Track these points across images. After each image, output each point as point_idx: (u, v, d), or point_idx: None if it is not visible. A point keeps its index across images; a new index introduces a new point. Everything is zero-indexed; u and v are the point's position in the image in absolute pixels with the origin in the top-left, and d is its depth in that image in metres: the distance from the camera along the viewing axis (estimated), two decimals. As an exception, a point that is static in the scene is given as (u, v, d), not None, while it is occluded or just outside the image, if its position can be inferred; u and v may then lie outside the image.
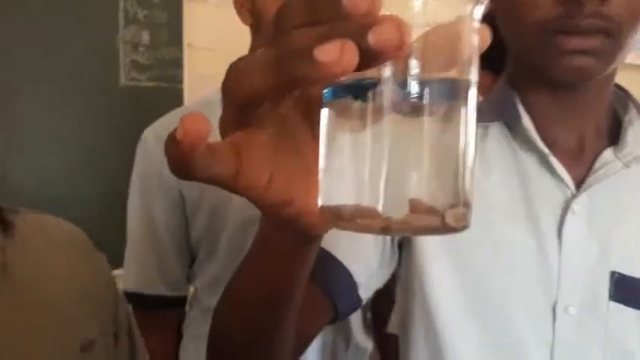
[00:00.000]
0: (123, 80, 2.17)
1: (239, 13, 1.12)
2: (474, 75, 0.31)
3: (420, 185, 0.29)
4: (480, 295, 0.71)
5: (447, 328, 0.72)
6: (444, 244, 0.72)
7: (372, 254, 0.72)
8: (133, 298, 1.19)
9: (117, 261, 2.09)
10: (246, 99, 0.32)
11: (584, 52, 0.64)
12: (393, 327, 1.08)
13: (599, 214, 0.71)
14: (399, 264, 0.77)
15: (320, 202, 0.32)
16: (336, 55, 0.26)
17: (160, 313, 1.20)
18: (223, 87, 0.32)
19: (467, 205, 0.31)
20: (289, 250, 0.43)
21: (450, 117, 0.30)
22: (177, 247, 1.19)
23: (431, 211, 0.29)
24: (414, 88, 0.29)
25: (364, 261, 0.71)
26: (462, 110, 0.30)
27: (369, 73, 0.29)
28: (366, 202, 0.29)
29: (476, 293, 0.71)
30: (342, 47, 0.26)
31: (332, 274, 0.69)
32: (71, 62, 2.01)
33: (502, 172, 0.74)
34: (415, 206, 0.29)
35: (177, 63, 2.35)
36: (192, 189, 1.15)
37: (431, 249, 0.72)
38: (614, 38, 0.64)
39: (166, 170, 1.07)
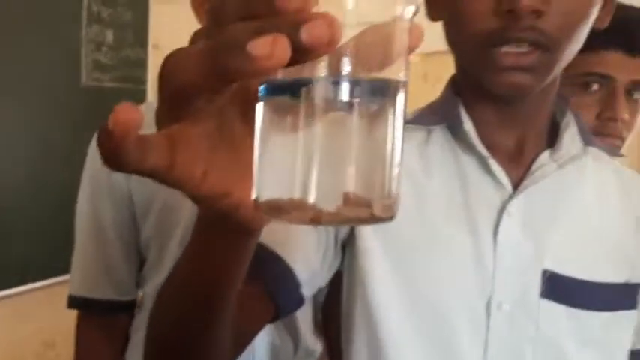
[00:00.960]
0: (85, 80, 2.14)
1: (196, 13, 1.12)
2: (403, 74, 0.32)
3: (350, 179, 0.30)
4: (417, 292, 0.73)
5: (387, 324, 0.73)
6: (385, 243, 0.74)
7: (315, 253, 0.72)
8: (79, 302, 1.16)
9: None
10: (181, 91, 0.32)
11: (520, 68, 0.66)
12: None
13: (535, 214, 0.74)
14: (342, 263, 0.78)
15: (254, 195, 0.33)
16: (268, 49, 0.27)
17: (107, 317, 1.18)
18: (159, 79, 0.32)
19: (394, 196, 0.32)
20: (226, 244, 0.43)
21: (379, 115, 0.31)
22: (125, 249, 1.16)
23: (360, 203, 0.31)
24: (345, 86, 0.30)
25: (306, 259, 0.71)
26: (391, 108, 0.32)
27: (304, 73, 0.30)
28: (298, 194, 0.30)
29: (414, 291, 0.73)
30: (274, 42, 0.27)
31: (274, 272, 0.69)
32: (32, 60, 1.97)
33: (443, 175, 0.76)
34: (345, 199, 0.30)
35: (142, 64, 2.33)
36: (141, 191, 1.13)
37: (373, 248, 0.74)
38: (550, 53, 0.66)
39: (116, 172, 1.03)
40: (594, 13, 0.68)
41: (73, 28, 2.11)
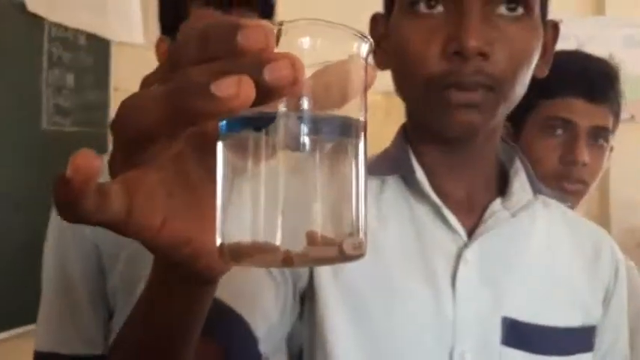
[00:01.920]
0: (45, 124, 2.11)
1: (159, 58, 1.12)
2: (362, 111, 0.33)
3: (317, 218, 0.30)
4: (377, 345, 0.72)
5: None
6: (343, 295, 0.73)
7: (273, 307, 0.71)
8: (46, 358, 1.12)
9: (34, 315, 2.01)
10: (136, 136, 0.31)
11: (470, 105, 0.68)
12: None
13: (490, 262, 0.74)
14: (300, 316, 0.76)
15: (218, 240, 0.32)
16: (234, 89, 0.26)
17: None
18: (113, 124, 0.31)
19: (362, 234, 0.32)
20: (183, 293, 0.41)
21: (341, 152, 0.31)
22: (93, 301, 1.13)
23: (328, 242, 0.30)
24: (306, 124, 0.30)
25: (264, 314, 0.70)
26: (353, 145, 0.32)
27: (264, 109, 0.30)
28: (264, 237, 0.30)
29: (373, 344, 0.72)
30: (240, 82, 0.27)
31: (230, 328, 0.67)
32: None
33: (398, 224, 0.76)
34: (313, 238, 0.30)
35: (103, 107, 2.31)
36: (108, 241, 1.11)
37: (332, 300, 0.73)
38: (494, 93, 0.68)
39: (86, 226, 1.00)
40: (535, 59, 0.71)
41: (33, 72, 2.09)
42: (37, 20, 2.08)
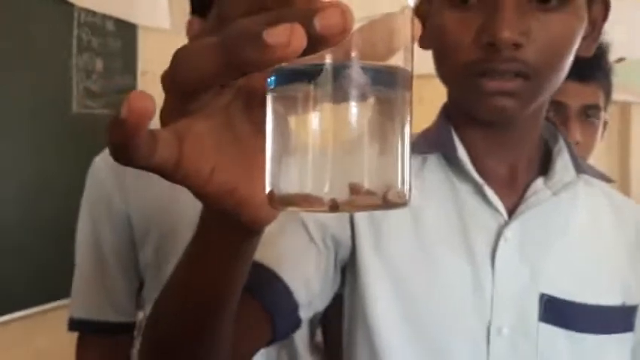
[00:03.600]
0: (75, 108, 2.16)
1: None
2: (410, 63, 0.33)
3: (363, 167, 0.31)
4: (417, 317, 0.74)
5: (387, 348, 0.74)
6: (385, 268, 0.75)
7: (314, 275, 0.73)
8: (79, 324, 1.18)
9: (67, 291, 2.06)
10: (190, 85, 0.31)
11: (504, 93, 0.68)
12: None
13: (530, 240, 0.75)
14: (341, 286, 0.79)
15: (268, 188, 0.33)
16: (285, 37, 0.26)
17: (108, 339, 1.18)
18: (167, 74, 0.31)
19: (407, 184, 0.32)
20: (228, 244, 0.42)
21: (389, 102, 0.31)
22: (124, 272, 1.18)
23: (373, 191, 0.31)
24: (354, 75, 0.30)
25: (306, 282, 0.72)
26: (400, 96, 0.32)
27: (313, 61, 0.30)
28: (311, 184, 0.31)
29: (413, 315, 0.74)
30: (291, 30, 0.27)
31: (273, 292, 0.69)
32: (24, 89, 1.99)
33: (439, 201, 0.77)
34: (358, 188, 0.30)
35: (131, 90, 2.33)
36: (140, 217, 1.15)
37: (374, 269, 0.75)
38: (532, 81, 0.68)
39: (115, 196, 1.06)
40: (577, 42, 0.70)
41: (63, 58, 2.13)
42: (66, 7, 2.11)
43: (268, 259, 0.70)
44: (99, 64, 2.24)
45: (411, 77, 0.33)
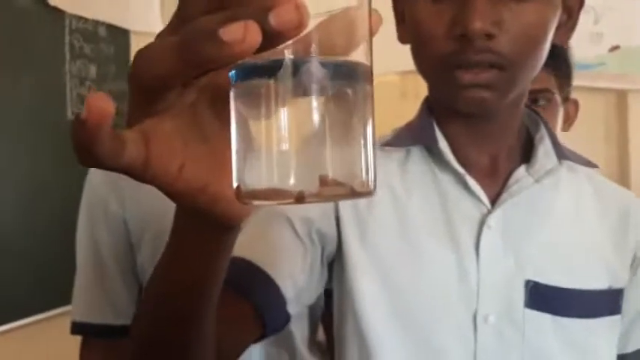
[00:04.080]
0: (70, 114, 2.15)
1: None
2: (370, 57, 0.33)
3: (328, 160, 0.31)
4: (404, 308, 0.75)
5: (375, 340, 0.75)
6: (371, 261, 0.76)
7: (301, 270, 0.74)
8: (81, 327, 1.18)
9: (65, 297, 2.05)
10: (152, 84, 0.32)
11: (479, 85, 0.69)
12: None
13: (514, 227, 0.76)
14: (329, 281, 0.79)
15: (235, 183, 0.33)
16: (240, 34, 0.27)
17: (110, 341, 1.19)
18: (130, 74, 0.33)
19: (372, 173, 0.33)
20: (205, 241, 0.42)
21: (349, 95, 0.32)
22: (123, 275, 1.18)
23: (340, 182, 0.32)
24: (314, 69, 0.31)
25: (292, 276, 0.72)
26: (361, 89, 0.32)
27: (273, 57, 0.30)
28: (278, 179, 0.31)
29: (401, 307, 0.75)
30: (245, 27, 0.27)
31: (261, 289, 0.70)
32: (18, 96, 1.99)
33: (423, 193, 0.78)
34: (324, 180, 0.31)
35: (125, 96, 2.33)
36: (136, 219, 1.15)
37: (360, 263, 0.75)
38: (507, 72, 0.69)
39: (111, 199, 1.06)
40: (551, 30, 0.70)
41: (56, 65, 2.12)
42: (58, 13, 2.11)
43: (255, 256, 0.70)
44: (92, 70, 2.24)
45: (371, 71, 0.33)
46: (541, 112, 1.25)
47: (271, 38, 0.28)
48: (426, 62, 0.74)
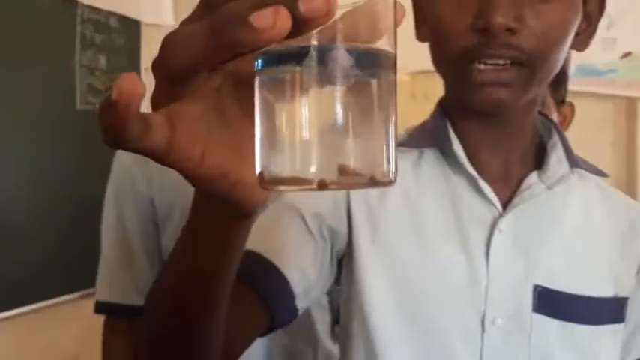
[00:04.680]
0: (79, 104, 2.16)
1: None
2: (394, 47, 0.34)
3: (350, 148, 0.31)
4: (413, 307, 0.75)
5: (382, 337, 0.75)
6: (381, 258, 0.76)
7: (311, 265, 0.74)
8: (105, 307, 1.20)
9: (75, 284, 2.06)
10: (180, 69, 0.32)
11: (498, 83, 0.69)
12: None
13: (524, 232, 0.76)
14: (337, 278, 0.79)
15: (258, 169, 0.33)
16: (271, 20, 0.27)
17: (133, 322, 1.19)
18: (157, 58, 0.33)
19: (393, 163, 0.33)
20: (222, 227, 0.43)
21: (374, 84, 0.32)
22: (148, 255, 1.19)
23: (360, 171, 0.32)
24: (340, 57, 0.31)
25: (302, 271, 0.73)
26: (385, 77, 0.33)
27: (299, 44, 0.30)
28: (300, 165, 0.31)
29: (409, 305, 0.75)
30: (276, 13, 0.28)
31: (270, 282, 0.70)
32: (28, 86, 1.99)
33: (435, 194, 0.78)
34: (346, 169, 0.31)
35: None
36: (162, 199, 1.16)
37: (371, 261, 0.76)
38: (527, 69, 0.69)
39: (140, 180, 1.07)
40: (571, 33, 0.71)
41: (66, 54, 2.13)
42: (69, 3, 2.11)
43: (265, 249, 0.71)
44: (102, 61, 2.24)
45: (396, 59, 0.33)
46: None
47: (300, 25, 0.28)
48: (445, 57, 0.73)
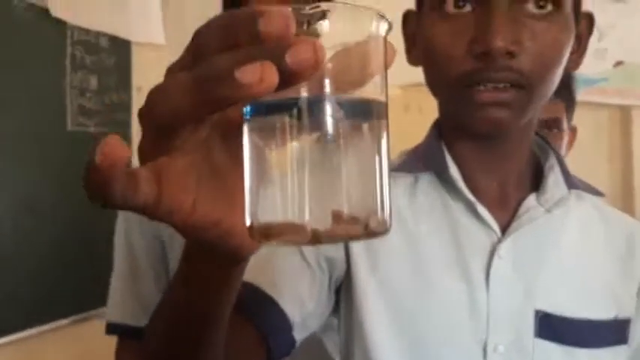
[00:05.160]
0: (70, 126, 2.14)
1: None
2: (383, 90, 0.33)
3: (343, 197, 0.31)
4: (413, 336, 0.74)
5: None
6: (380, 288, 0.75)
7: (308, 296, 0.73)
8: (115, 328, 1.19)
9: (63, 309, 2.03)
10: (167, 121, 0.32)
11: (497, 104, 0.68)
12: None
13: (524, 256, 0.75)
14: (336, 306, 0.79)
15: (248, 220, 0.33)
16: (257, 75, 0.27)
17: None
18: (142, 111, 0.32)
19: (387, 211, 0.33)
20: (214, 273, 0.42)
21: (364, 133, 0.32)
22: (157, 279, 1.19)
23: (354, 220, 0.31)
24: (329, 107, 0.31)
25: (300, 302, 0.72)
26: (376, 126, 0.32)
27: (287, 94, 0.30)
28: (291, 216, 0.31)
29: (410, 335, 0.74)
30: (263, 68, 0.27)
31: (267, 315, 0.69)
32: (18, 107, 1.97)
33: (432, 220, 0.77)
34: (339, 217, 0.31)
35: (126, 107, 2.33)
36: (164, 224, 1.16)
37: (369, 290, 0.75)
38: (525, 91, 0.68)
39: None
40: (566, 53, 0.70)
41: (57, 75, 2.11)
42: (59, 25, 2.10)
43: (262, 282, 0.70)
44: (93, 82, 2.23)
45: (386, 106, 0.33)
46: (551, 138, 1.31)
47: (287, 78, 0.28)
48: (442, 81, 0.72)
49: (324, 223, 0.31)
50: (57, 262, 2.06)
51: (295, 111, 0.30)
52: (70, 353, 2.07)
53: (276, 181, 0.32)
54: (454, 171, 0.76)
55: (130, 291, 1.19)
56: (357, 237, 0.32)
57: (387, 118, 0.33)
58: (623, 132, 2.87)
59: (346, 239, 0.32)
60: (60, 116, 2.12)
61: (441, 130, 0.80)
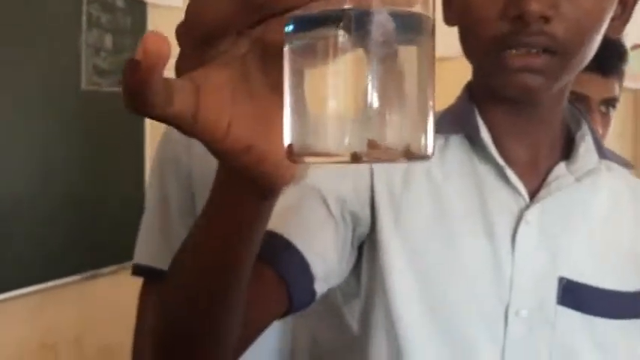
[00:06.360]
0: (84, 85, 2.14)
1: None
2: (432, 11, 0.31)
3: (387, 120, 0.29)
4: (435, 293, 0.74)
5: (405, 320, 0.74)
6: (404, 243, 0.75)
7: (332, 250, 0.73)
8: (142, 270, 1.23)
9: (72, 267, 2.06)
10: (207, 30, 0.31)
11: (530, 70, 0.67)
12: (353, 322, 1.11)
13: (551, 224, 0.74)
14: (357, 263, 0.78)
15: (287, 141, 0.31)
16: None
17: None
18: (183, 22, 0.31)
19: (430, 136, 0.31)
20: (243, 206, 0.42)
21: (411, 50, 0.30)
22: (186, 227, 1.19)
23: (396, 143, 0.30)
24: (375, 20, 0.28)
25: (323, 255, 0.71)
26: (423, 43, 0.30)
27: (333, 6, 0.28)
28: (333, 138, 0.29)
29: (431, 292, 0.74)
30: None
31: (290, 264, 0.69)
32: (32, 65, 1.97)
33: (461, 180, 0.77)
34: (380, 141, 0.29)
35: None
36: (201, 171, 1.18)
37: (393, 245, 0.74)
38: (559, 57, 0.67)
39: (183, 156, 1.08)
40: (606, 20, 0.69)
41: (72, 34, 2.11)
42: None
43: (286, 231, 0.70)
44: (108, 41, 2.23)
45: (434, 25, 0.31)
46: (606, 119, 1.28)
47: None
48: (475, 44, 0.72)
49: (364, 146, 0.29)
50: (68, 220, 2.08)
51: (341, 24, 0.28)
52: (76, 312, 2.11)
53: (317, 102, 0.30)
54: (485, 134, 0.75)
55: (160, 236, 1.22)
56: (397, 159, 0.30)
57: (434, 39, 0.31)
58: (636, 115, 2.85)
59: (387, 161, 0.30)
60: (74, 75, 2.12)
61: (473, 93, 0.79)
